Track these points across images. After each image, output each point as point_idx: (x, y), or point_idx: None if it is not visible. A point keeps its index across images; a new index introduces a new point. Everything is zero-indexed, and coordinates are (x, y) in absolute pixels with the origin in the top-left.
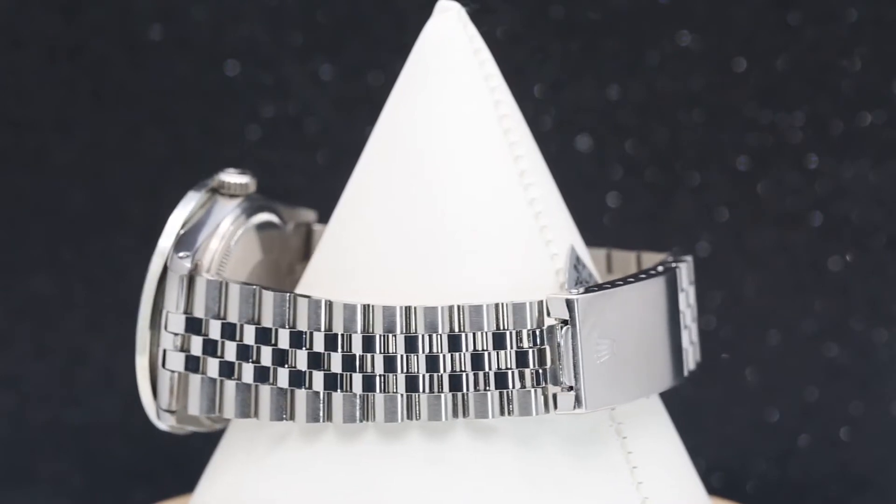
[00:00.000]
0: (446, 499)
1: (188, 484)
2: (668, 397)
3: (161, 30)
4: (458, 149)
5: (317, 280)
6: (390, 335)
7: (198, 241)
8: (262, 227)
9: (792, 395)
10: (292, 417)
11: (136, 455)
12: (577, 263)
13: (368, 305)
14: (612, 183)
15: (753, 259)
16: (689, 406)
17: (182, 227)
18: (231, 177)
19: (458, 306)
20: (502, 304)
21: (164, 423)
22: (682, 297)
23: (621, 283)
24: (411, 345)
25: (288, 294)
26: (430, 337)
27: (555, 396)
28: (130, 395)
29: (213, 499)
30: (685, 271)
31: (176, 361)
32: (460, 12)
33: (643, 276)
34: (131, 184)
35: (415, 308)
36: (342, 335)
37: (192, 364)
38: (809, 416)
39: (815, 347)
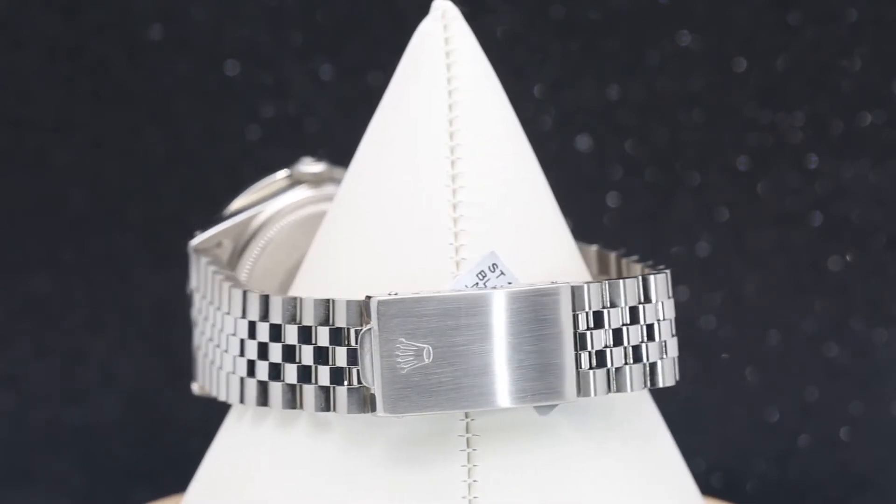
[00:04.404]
0: (283, 486)
1: (188, 484)
2: (668, 397)
3: (161, 30)
4: (400, 149)
5: (302, 272)
6: (263, 324)
7: (223, 224)
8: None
9: (792, 395)
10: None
11: (136, 455)
12: (486, 271)
13: (247, 292)
14: (612, 183)
15: (753, 259)
16: (689, 406)
17: (241, 210)
18: (302, 165)
19: (301, 299)
20: (338, 301)
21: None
22: (588, 316)
23: (447, 293)
24: (275, 334)
25: (222, 280)
26: (288, 328)
27: (373, 397)
28: (130, 395)
29: (193, 489)
30: (607, 289)
31: (196, 336)
32: (447, 12)
33: (508, 287)
34: (131, 184)
35: (273, 298)
36: (237, 319)
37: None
38: (809, 416)
39: (815, 347)
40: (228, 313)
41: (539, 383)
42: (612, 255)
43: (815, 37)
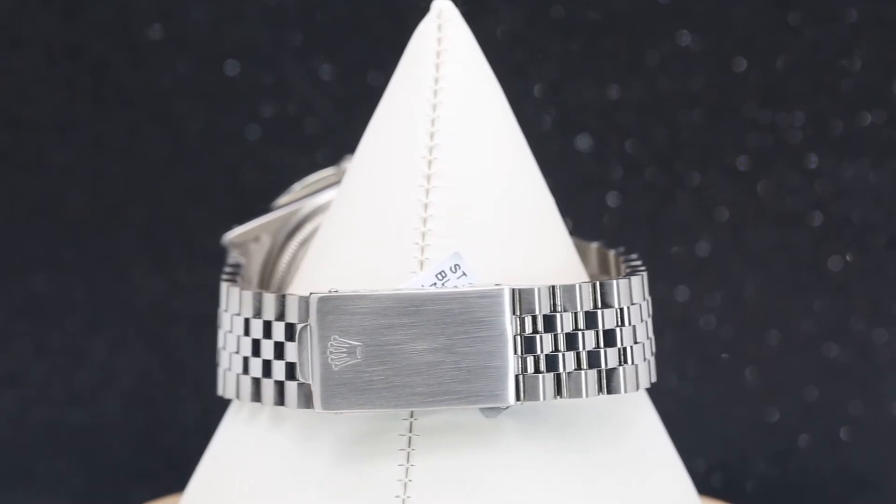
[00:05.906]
0: (245, 478)
1: (187, 484)
2: (668, 397)
3: (161, 30)
4: (386, 149)
5: (301, 270)
6: (238, 318)
7: (260, 219)
8: None
9: (792, 395)
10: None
11: (136, 455)
12: (447, 271)
13: (230, 286)
14: (612, 183)
15: (753, 259)
16: (689, 406)
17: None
18: (346, 162)
19: (263, 294)
20: (290, 297)
21: None
22: (537, 320)
23: (382, 292)
24: (246, 328)
25: (223, 275)
26: (254, 322)
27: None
28: (130, 395)
29: (190, 487)
30: (560, 293)
31: None
32: (443, 12)
33: (441, 288)
34: (131, 184)
35: (244, 293)
36: (223, 313)
37: None
38: (809, 416)
39: (815, 347)
40: (218, 306)
41: (473, 385)
42: (612, 254)
43: (815, 37)
